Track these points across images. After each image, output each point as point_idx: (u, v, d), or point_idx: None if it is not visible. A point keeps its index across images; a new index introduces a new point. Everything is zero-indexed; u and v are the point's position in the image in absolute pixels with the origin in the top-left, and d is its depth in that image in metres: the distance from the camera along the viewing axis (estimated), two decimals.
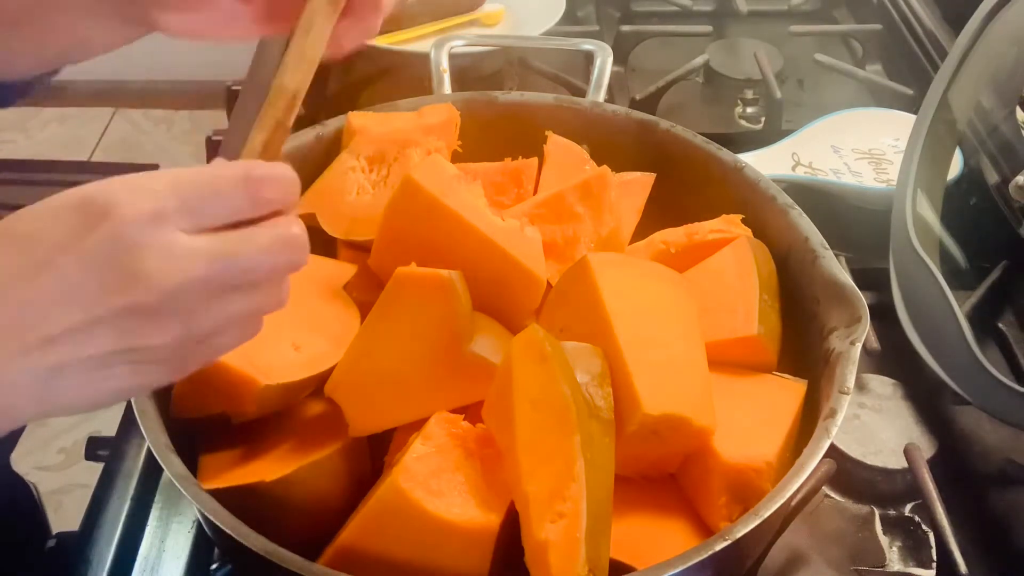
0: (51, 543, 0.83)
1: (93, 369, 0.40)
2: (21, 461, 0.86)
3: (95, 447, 0.76)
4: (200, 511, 0.54)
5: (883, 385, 0.78)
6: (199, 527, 0.68)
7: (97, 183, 0.40)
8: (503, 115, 0.80)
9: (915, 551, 0.67)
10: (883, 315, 0.78)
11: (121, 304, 0.39)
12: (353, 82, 1.08)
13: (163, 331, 0.41)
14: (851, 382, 0.58)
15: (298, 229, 0.43)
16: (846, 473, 0.71)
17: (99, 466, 0.72)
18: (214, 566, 0.67)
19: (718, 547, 0.51)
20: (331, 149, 0.75)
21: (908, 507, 0.71)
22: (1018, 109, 0.87)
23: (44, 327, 0.39)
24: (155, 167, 0.49)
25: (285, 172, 0.43)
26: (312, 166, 0.73)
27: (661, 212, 0.75)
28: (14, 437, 0.93)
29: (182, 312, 0.40)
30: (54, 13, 0.56)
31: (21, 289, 0.39)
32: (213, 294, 0.41)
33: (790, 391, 0.62)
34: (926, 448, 0.72)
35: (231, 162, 0.43)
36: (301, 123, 0.67)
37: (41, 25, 0.56)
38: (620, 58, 1.14)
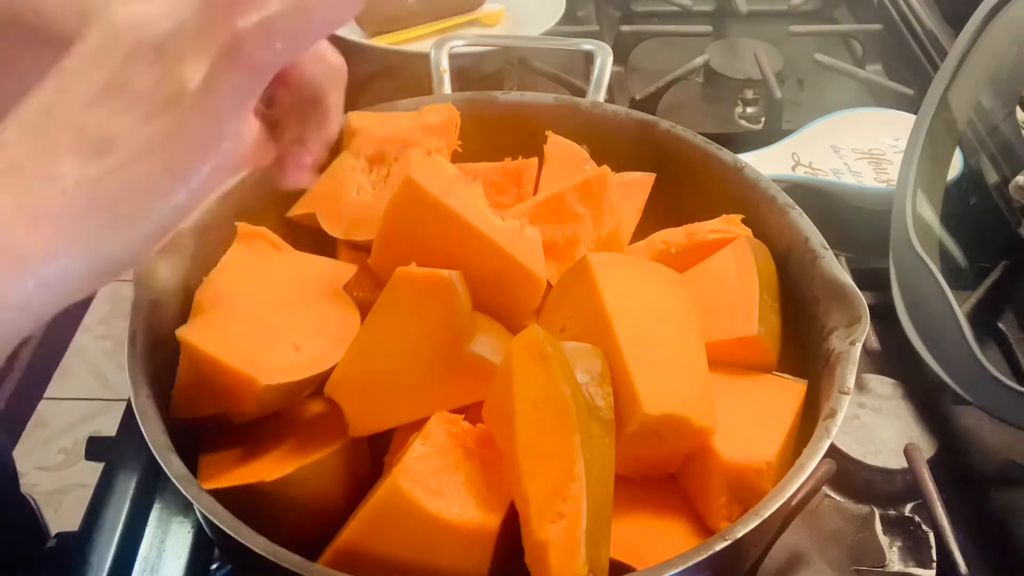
0: (51, 543, 0.83)
1: (134, 149, 0.41)
2: (21, 461, 0.86)
3: (95, 447, 0.76)
4: (200, 511, 0.54)
5: (883, 385, 0.78)
6: (199, 527, 0.68)
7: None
8: (503, 115, 0.80)
9: (915, 551, 0.67)
10: (883, 315, 0.78)
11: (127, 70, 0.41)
12: (353, 82, 1.08)
13: (165, 72, 0.42)
14: (851, 382, 0.58)
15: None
16: (846, 473, 0.71)
17: (99, 466, 0.72)
18: (214, 566, 0.67)
19: (718, 547, 0.51)
20: (331, 149, 0.75)
21: (908, 507, 0.71)
22: (1018, 109, 0.87)
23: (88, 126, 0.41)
24: None
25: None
26: None
27: (661, 212, 0.75)
28: (13, 438, 0.93)
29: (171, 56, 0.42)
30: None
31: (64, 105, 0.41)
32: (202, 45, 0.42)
33: (790, 391, 0.62)
34: (926, 448, 0.72)
35: None
36: None
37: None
38: (620, 58, 1.14)
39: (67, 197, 0.40)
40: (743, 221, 0.71)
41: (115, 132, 0.41)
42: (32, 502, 0.87)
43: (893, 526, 0.69)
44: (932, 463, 0.71)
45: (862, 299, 0.62)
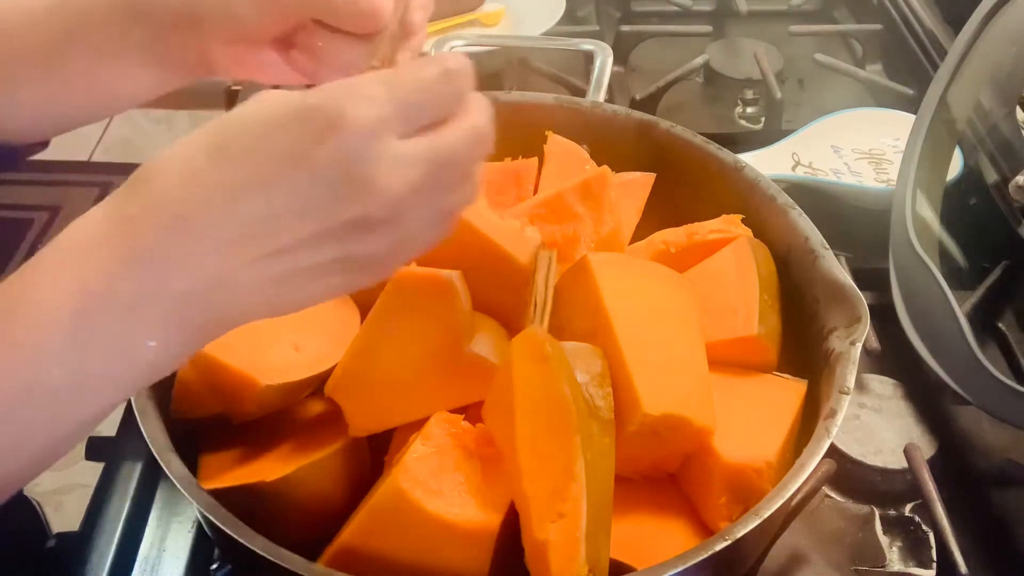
0: (51, 543, 0.83)
1: (314, 277, 0.41)
2: None
3: (95, 447, 0.76)
4: (200, 511, 0.54)
5: (883, 385, 0.78)
6: (199, 527, 0.68)
7: (311, 93, 0.39)
8: (503, 115, 0.79)
9: (915, 551, 0.67)
10: (883, 315, 0.78)
11: (351, 216, 0.40)
12: None
13: (385, 237, 0.41)
14: (851, 382, 0.58)
15: (485, 118, 0.44)
16: (846, 473, 0.71)
17: (99, 466, 0.72)
18: (214, 566, 0.67)
19: (718, 547, 0.51)
20: None
21: (908, 507, 0.71)
22: (1018, 109, 0.87)
23: (276, 240, 0.39)
24: None
25: (465, 60, 0.43)
26: None
27: (661, 212, 0.75)
28: None
29: (403, 218, 0.41)
30: (92, 56, 0.54)
31: (251, 203, 0.39)
32: (427, 197, 0.41)
33: (790, 391, 0.62)
34: (926, 448, 0.72)
35: (425, 60, 0.43)
36: None
37: (60, 70, 0.55)
38: (620, 58, 1.14)
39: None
40: (743, 221, 0.71)
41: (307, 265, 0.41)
42: (34, 503, 0.87)
43: (893, 526, 0.69)
44: (932, 463, 0.71)
45: (862, 299, 0.62)
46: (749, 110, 1.10)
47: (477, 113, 0.43)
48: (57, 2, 0.55)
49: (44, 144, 0.61)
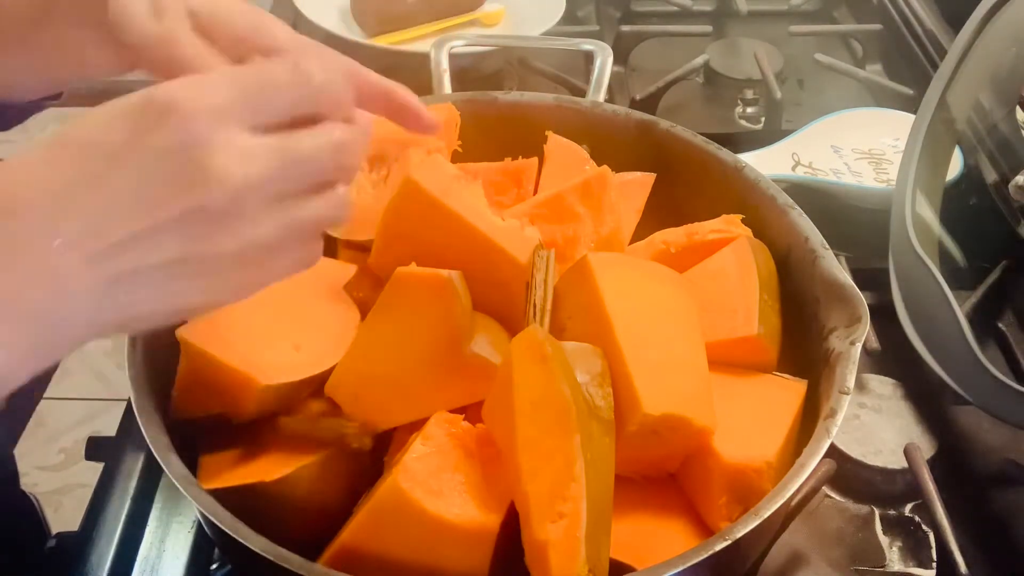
0: (51, 543, 0.83)
1: (157, 281, 0.39)
2: (21, 461, 0.86)
3: (95, 447, 0.76)
4: (200, 511, 0.54)
5: (883, 385, 0.78)
6: (199, 527, 0.68)
7: (154, 85, 0.38)
8: (503, 115, 0.80)
9: (915, 551, 0.67)
10: (883, 315, 0.78)
11: (187, 205, 0.38)
12: None
13: (228, 235, 0.39)
14: (851, 382, 0.58)
15: (347, 133, 0.43)
16: (846, 473, 0.71)
17: (99, 466, 0.72)
18: (214, 566, 0.67)
19: (718, 547, 0.51)
20: None
21: (908, 507, 0.71)
22: (1017, 109, 0.87)
23: (108, 233, 0.38)
24: None
25: (334, 64, 0.43)
26: None
27: (661, 212, 0.75)
28: (14, 436, 0.93)
29: (247, 214, 0.39)
30: (63, 28, 0.55)
31: (83, 196, 0.37)
32: (274, 197, 0.40)
33: (790, 391, 0.63)
34: (926, 448, 0.72)
35: (279, 58, 0.43)
36: None
37: (50, 42, 0.55)
38: (620, 58, 1.14)
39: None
40: (743, 221, 0.71)
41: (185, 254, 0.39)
42: (34, 501, 0.87)
43: (893, 526, 0.69)
44: (932, 463, 0.71)
45: (862, 299, 0.62)
46: (749, 110, 1.10)
47: (334, 125, 0.42)
48: None
49: (56, 96, 0.62)
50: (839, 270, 0.65)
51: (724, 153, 0.75)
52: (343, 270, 0.67)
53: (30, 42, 0.56)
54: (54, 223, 0.37)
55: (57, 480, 1.74)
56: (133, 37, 0.48)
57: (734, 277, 0.66)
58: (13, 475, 0.85)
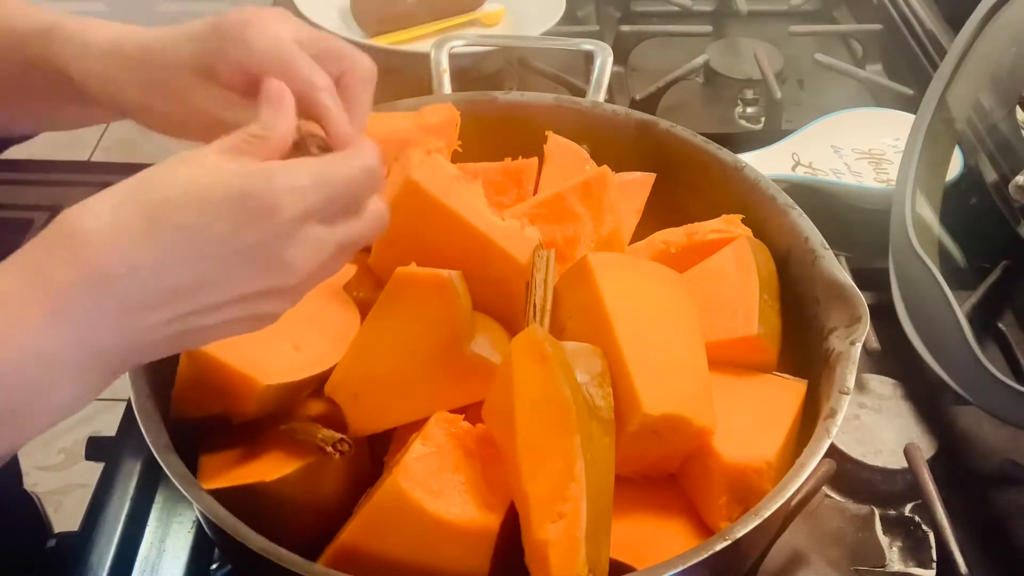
0: (51, 543, 0.83)
1: (219, 330, 0.45)
2: (21, 461, 0.86)
3: (95, 447, 0.76)
4: (200, 511, 0.54)
5: (883, 385, 0.78)
6: (199, 527, 0.68)
7: (246, 176, 0.43)
8: (503, 115, 0.80)
9: (915, 551, 0.67)
10: (883, 315, 0.78)
11: (265, 287, 0.44)
12: None
13: (287, 301, 0.46)
14: (851, 382, 0.58)
15: (384, 206, 0.49)
16: (846, 473, 0.71)
17: (99, 466, 0.72)
18: (214, 566, 0.67)
19: (718, 547, 0.51)
20: None
21: (908, 507, 0.71)
22: (1017, 109, 0.87)
23: (192, 305, 0.43)
24: None
25: (378, 152, 0.49)
26: None
27: (661, 212, 0.75)
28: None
29: (304, 286, 0.46)
30: (19, 91, 0.58)
31: (177, 274, 0.42)
32: (327, 269, 0.47)
33: (790, 391, 0.63)
34: (926, 448, 0.72)
35: (351, 154, 0.48)
36: None
37: (9, 103, 0.59)
38: (620, 58, 1.14)
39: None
40: (743, 221, 0.71)
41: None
42: (36, 500, 0.87)
43: (893, 526, 0.69)
44: (932, 463, 0.71)
45: (862, 299, 0.62)
46: (749, 110, 1.10)
47: (381, 202, 0.49)
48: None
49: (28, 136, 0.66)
50: (839, 270, 0.65)
51: (724, 153, 0.75)
52: (343, 270, 0.67)
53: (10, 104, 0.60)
54: (144, 294, 0.42)
55: (57, 480, 1.74)
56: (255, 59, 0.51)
57: (734, 277, 0.66)
58: (15, 475, 0.85)
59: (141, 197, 0.42)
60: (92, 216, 0.41)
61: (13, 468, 0.84)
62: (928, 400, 0.76)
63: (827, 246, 0.67)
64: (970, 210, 0.89)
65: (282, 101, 0.47)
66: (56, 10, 0.57)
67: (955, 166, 0.88)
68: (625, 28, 1.18)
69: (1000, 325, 0.83)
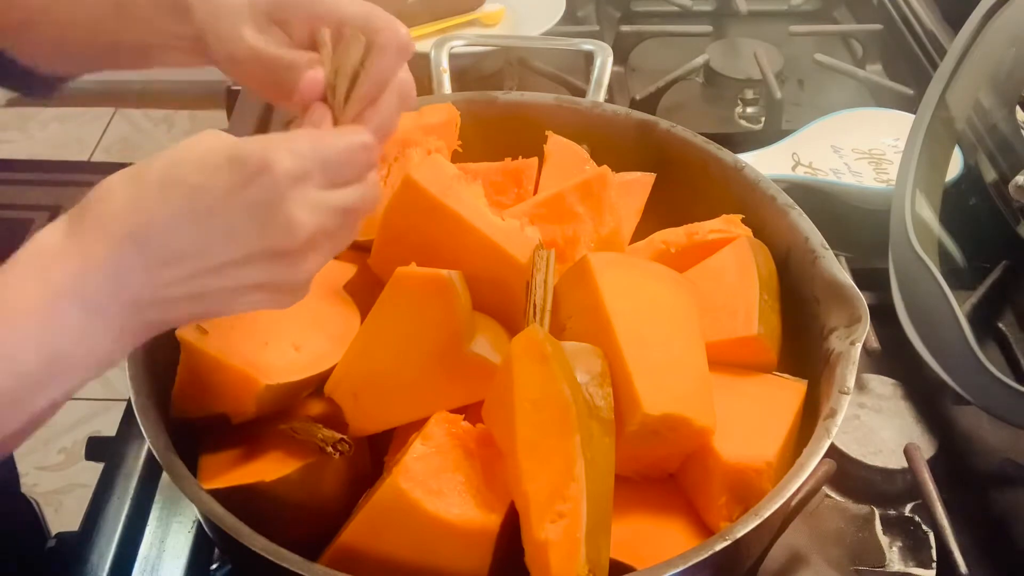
0: (51, 543, 0.83)
1: (238, 295, 0.49)
2: (21, 461, 0.86)
3: (95, 447, 0.76)
4: (200, 511, 0.54)
5: (883, 385, 0.78)
6: (199, 527, 0.68)
7: (244, 141, 0.47)
8: (503, 115, 0.80)
9: (915, 551, 0.67)
10: (883, 315, 0.78)
11: (270, 245, 0.47)
12: None
13: (297, 270, 0.49)
14: (851, 382, 0.58)
15: (378, 178, 0.53)
16: (846, 473, 0.71)
17: (99, 466, 0.72)
18: (214, 566, 0.67)
19: (718, 547, 0.51)
20: None
21: (908, 507, 0.71)
22: (1017, 108, 0.87)
23: (206, 261, 0.46)
24: None
25: (370, 136, 0.52)
26: None
27: (661, 212, 0.75)
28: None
29: (311, 252, 0.49)
30: (121, 26, 0.60)
31: (188, 230, 0.46)
32: (331, 236, 0.50)
33: (790, 391, 0.63)
34: (926, 448, 0.72)
35: (348, 129, 0.52)
36: None
37: (110, 39, 0.61)
38: (620, 58, 1.14)
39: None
40: (743, 221, 0.71)
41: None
42: (34, 503, 0.87)
43: (893, 526, 0.69)
44: (932, 463, 0.71)
45: (862, 299, 0.62)
46: (749, 110, 1.10)
47: (376, 179, 0.52)
48: None
49: (59, 85, 0.67)
50: (839, 270, 0.65)
51: (724, 153, 0.75)
52: (343, 270, 0.67)
53: (99, 37, 0.62)
54: (163, 249, 0.46)
55: (57, 480, 1.74)
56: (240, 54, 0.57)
57: (734, 277, 0.66)
58: (13, 477, 0.85)
59: (156, 164, 0.47)
60: (120, 184, 0.46)
61: (10, 470, 0.84)
62: (928, 400, 0.76)
63: (827, 246, 0.67)
64: (970, 210, 0.89)
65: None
66: None
67: (955, 166, 0.88)
68: (625, 28, 1.18)
69: (1000, 325, 0.83)
